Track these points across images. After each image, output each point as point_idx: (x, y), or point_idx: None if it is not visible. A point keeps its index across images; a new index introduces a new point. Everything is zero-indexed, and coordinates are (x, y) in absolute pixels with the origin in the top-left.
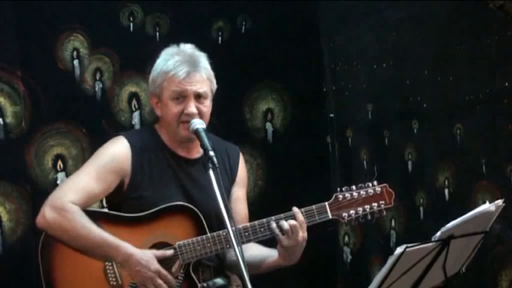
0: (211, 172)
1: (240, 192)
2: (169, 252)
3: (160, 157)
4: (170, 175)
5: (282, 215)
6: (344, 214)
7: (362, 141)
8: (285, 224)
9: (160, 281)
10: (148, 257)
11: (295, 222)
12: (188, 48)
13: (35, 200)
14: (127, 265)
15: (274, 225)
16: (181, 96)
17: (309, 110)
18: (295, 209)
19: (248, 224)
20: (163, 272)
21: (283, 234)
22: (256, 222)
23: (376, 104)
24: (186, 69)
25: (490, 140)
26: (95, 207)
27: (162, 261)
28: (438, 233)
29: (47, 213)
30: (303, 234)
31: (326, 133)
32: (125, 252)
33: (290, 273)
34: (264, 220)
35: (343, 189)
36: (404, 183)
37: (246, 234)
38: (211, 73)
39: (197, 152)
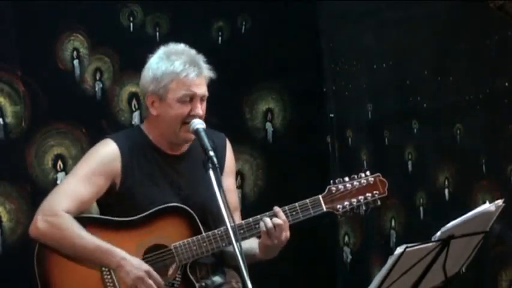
0: (211, 172)
1: (228, 182)
2: (159, 279)
3: (149, 157)
4: (160, 174)
5: (266, 213)
6: (338, 206)
7: (362, 141)
8: (269, 223)
9: (150, 281)
10: (139, 260)
11: (280, 221)
12: (185, 48)
13: (35, 200)
14: (120, 269)
15: (262, 224)
16: (190, 98)
17: (309, 110)
18: (277, 208)
19: (243, 222)
20: (154, 272)
21: (267, 232)
22: (251, 219)
23: (376, 104)
24: (196, 71)
25: (490, 140)
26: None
27: (159, 263)
28: (438, 233)
29: (39, 222)
30: (286, 234)
31: (326, 133)
32: (118, 256)
33: (290, 273)
34: (259, 216)
35: (336, 181)
36: (404, 183)
37: (241, 231)
38: None
39: (184, 147)
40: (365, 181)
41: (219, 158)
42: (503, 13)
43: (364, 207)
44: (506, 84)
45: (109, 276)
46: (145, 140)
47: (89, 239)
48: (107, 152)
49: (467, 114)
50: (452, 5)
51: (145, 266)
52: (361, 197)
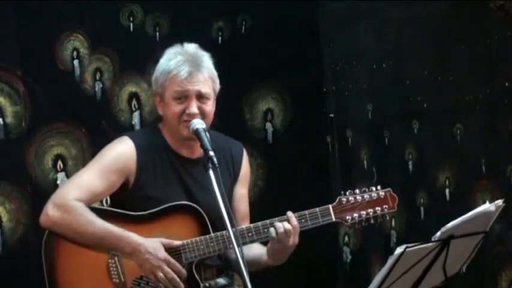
0: (211, 172)
1: (242, 190)
2: (176, 242)
3: (164, 157)
4: (173, 175)
5: (276, 218)
6: (347, 217)
7: (362, 141)
8: (280, 228)
9: (168, 269)
10: (156, 245)
11: (289, 227)
12: (191, 47)
13: (35, 200)
14: (135, 255)
15: (272, 229)
16: (183, 96)
17: (309, 110)
18: (290, 213)
19: (252, 225)
20: (172, 260)
21: (277, 237)
22: (259, 223)
23: (376, 104)
24: (188, 69)
25: (490, 140)
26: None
27: (168, 253)
28: (438, 233)
29: (50, 211)
30: (293, 239)
31: (326, 133)
32: (132, 241)
33: (290, 273)
34: (268, 221)
35: (347, 192)
36: (405, 183)
37: (250, 234)
38: (215, 73)
39: (200, 152)
40: (375, 195)
41: (235, 167)
42: (503, 13)
43: (372, 221)
44: (506, 84)
45: (114, 265)
46: (161, 141)
47: (101, 224)
48: (123, 150)
49: (467, 114)
50: (452, 5)
51: (163, 254)
52: (370, 210)
